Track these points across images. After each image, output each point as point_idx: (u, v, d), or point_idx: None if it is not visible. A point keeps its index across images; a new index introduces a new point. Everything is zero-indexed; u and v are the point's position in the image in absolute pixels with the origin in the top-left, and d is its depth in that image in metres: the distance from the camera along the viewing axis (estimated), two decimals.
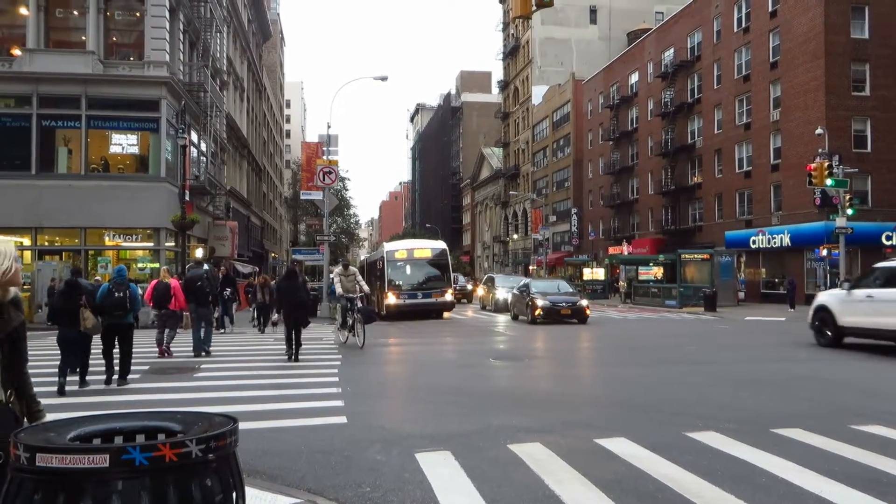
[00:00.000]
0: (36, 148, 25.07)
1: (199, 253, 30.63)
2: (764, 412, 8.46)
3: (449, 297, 27.50)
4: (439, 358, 14.81)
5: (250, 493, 4.34)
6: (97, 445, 2.85)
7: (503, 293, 31.53)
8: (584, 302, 24.17)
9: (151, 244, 26.49)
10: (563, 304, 23.61)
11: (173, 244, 26.46)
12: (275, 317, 19.61)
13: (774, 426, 7.49)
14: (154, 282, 15.26)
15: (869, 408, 8.67)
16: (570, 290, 26.08)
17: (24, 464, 2.58)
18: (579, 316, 23.58)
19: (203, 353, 14.78)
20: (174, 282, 15.14)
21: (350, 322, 16.26)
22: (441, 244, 30.43)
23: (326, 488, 5.53)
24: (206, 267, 17.45)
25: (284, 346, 14.20)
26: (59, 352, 10.60)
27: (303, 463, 6.28)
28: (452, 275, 31.69)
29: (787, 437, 7.08)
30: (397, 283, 27.18)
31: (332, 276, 16.08)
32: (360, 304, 16.37)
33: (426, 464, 6.13)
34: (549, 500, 5.22)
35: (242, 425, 3.32)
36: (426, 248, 29.77)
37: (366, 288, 16.54)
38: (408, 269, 27.86)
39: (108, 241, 26.52)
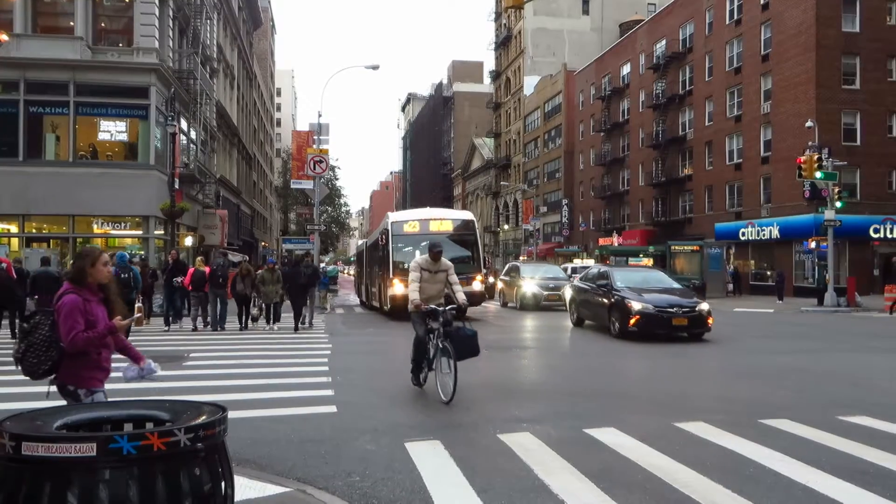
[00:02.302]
0: (23, 134, 24.81)
1: (188, 241, 30.48)
2: (752, 403, 8.52)
3: (478, 285, 21.02)
4: None
5: (239, 481, 4.32)
6: (84, 434, 2.83)
7: (531, 286, 26.09)
8: (705, 306, 15.59)
9: (140, 232, 26.31)
10: (675, 308, 15.16)
11: (162, 232, 26.31)
12: (255, 310, 18.65)
13: (762, 417, 7.55)
14: (192, 269, 18.33)
15: (856, 398, 8.74)
16: (674, 284, 17.34)
17: (10, 452, 2.55)
18: (697, 328, 15.20)
19: (219, 328, 17.63)
20: (208, 270, 18.16)
21: (431, 353, 8.95)
22: (466, 214, 23.67)
23: (316, 478, 5.53)
24: (225, 258, 21.21)
25: (273, 332, 16.11)
26: None
27: (292, 452, 6.27)
28: (483, 255, 23.65)
29: (775, 427, 7.13)
30: (406, 266, 19.11)
31: (412, 266, 9.06)
32: (455, 326, 8.65)
33: (416, 453, 6.13)
34: (539, 490, 5.23)
35: (232, 414, 3.30)
36: (446, 218, 22.61)
37: (462, 296, 8.97)
38: (421, 247, 20.40)
39: (96, 229, 26.32)
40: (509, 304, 28.07)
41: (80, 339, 4.18)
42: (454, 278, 9.19)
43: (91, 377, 4.37)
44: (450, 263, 9.25)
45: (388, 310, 21.03)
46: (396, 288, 20.16)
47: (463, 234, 21.86)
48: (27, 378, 4.37)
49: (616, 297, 15.83)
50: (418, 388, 9.25)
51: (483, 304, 24.14)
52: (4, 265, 13.33)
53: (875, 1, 35.42)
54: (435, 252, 9.06)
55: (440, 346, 8.63)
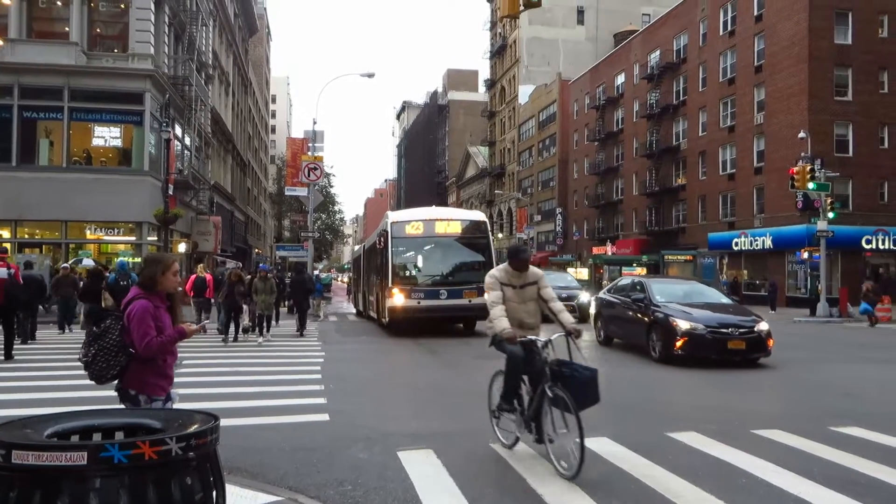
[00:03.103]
0: (17, 139, 24.74)
1: (181, 248, 30.39)
2: (745, 412, 8.53)
3: None
4: (434, 364, 14.84)
5: (231, 490, 4.30)
6: (75, 443, 2.81)
7: None
8: (765, 326, 12.89)
9: (133, 238, 26.22)
10: (731, 329, 12.61)
11: (156, 239, 26.23)
12: (246, 321, 17.25)
13: (755, 427, 7.55)
14: (193, 276, 18.58)
15: (848, 409, 8.76)
16: (722, 298, 14.92)
17: (0, 461, 2.53)
18: (756, 352, 12.64)
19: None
20: (209, 276, 18.68)
21: (528, 405, 6.29)
22: (477, 214, 20.85)
23: (308, 486, 5.51)
24: (230, 266, 22.07)
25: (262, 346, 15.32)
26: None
27: (284, 460, 6.24)
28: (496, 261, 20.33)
29: (767, 437, 7.14)
30: (408, 273, 18.50)
31: (487, 282, 6.50)
32: (568, 364, 6.08)
33: (408, 462, 6.11)
34: (532, 498, 5.22)
35: (223, 422, 3.29)
36: (454, 219, 19.69)
37: (567, 317, 6.32)
38: (425, 251, 18.95)
39: (89, 235, 26.23)
40: None
41: (154, 344, 4.22)
42: (549, 292, 6.54)
43: (155, 384, 4.42)
44: (540, 272, 6.70)
45: (387, 323, 18.67)
46: (396, 299, 17.77)
47: (473, 238, 19.02)
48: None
49: (657, 314, 13.36)
50: (506, 448, 6.58)
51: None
52: (13, 270, 13.26)
53: (867, 13, 35.71)
54: (520, 259, 6.47)
55: (550, 394, 5.90)
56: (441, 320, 18.61)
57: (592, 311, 17.96)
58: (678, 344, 12.60)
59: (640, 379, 11.44)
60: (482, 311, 15.49)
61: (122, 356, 4.26)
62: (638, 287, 15.02)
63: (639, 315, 14.17)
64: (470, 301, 17.55)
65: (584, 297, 23.44)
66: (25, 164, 24.93)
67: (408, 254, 18.71)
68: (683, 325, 12.70)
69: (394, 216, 19.42)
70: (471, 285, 17.57)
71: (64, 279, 18.03)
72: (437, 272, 18.39)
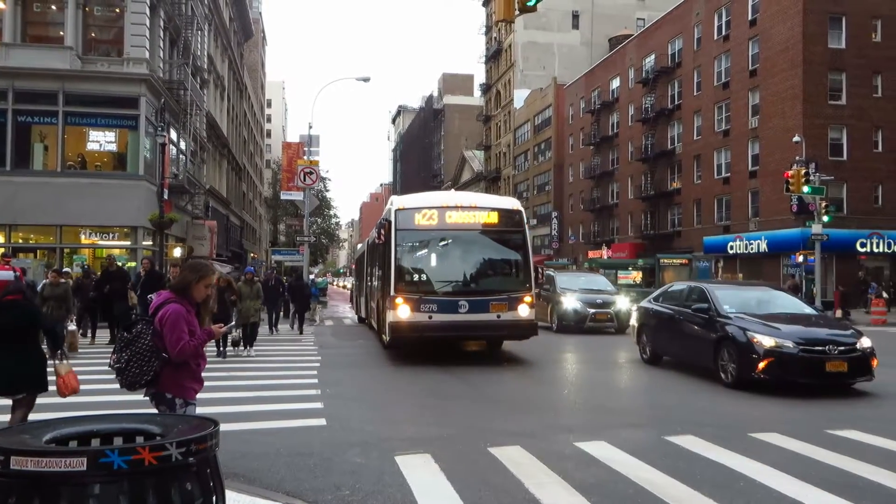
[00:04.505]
0: (11, 144, 24.63)
1: (177, 252, 30.32)
2: (742, 416, 8.54)
3: (525, 310, 13.63)
4: (432, 368, 14.26)
5: (228, 495, 4.27)
6: (74, 448, 2.80)
7: (572, 302, 20.80)
8: (867, 342, 10.53)
9: (128, 243, 26.13)
10: (828, 346, 10.19)
11: (151, 243, 26.13)
12: (235, 333, 15.11)
13: (752, 430, 7.56)
14: None
15: (844, 412, 8.77)
16: (805, 308, 12.55)
17: None
18: (858, 374, 10.32)
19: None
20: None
21: None
22: (511, 202, 15.45)
23: (305, 491, 5.49)
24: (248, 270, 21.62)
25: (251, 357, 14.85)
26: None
27: (282, 465, 6.22)
28: (533, 263, 16.13)
29: (765, 441, 7.15)
30: (416, 277, 13.94)
31: None
32: None
33: (406, 467, 6.10)
34: (531, 503, 5.21)
35: (221, 427, 3.27)
36: (480, 206, 14.61)
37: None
38: (440, 249, 14.51)
39: (84, 240, 26.13)
40: (541, 324, 16.94)
41: (188, 347, 4.27)
42: None
43: (190, 388, 4.48)
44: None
45: (388, 342, 14.18)
46: (400, 311, 13.13)
47: (505, 232, 14.41)
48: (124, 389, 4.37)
49: (728, 327, 10.95)
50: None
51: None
52: (17, 273, 13.19)
53: (861, 18, 35.89)
54: None
55: None
56: (458, 338, 14.36)
57: (633, 322, 15.13)
58: (761, 366, 10.14)
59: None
60: (515, 330, 13.40)
61: (154, 360, 4.27)
62: (696, 295, 12.61)
63: (702, 329, 11.75)
64: (499, 316, 13.31)
65: (623, 303, 21.14)
66: (20, 168, 24.82)
67: (417, 252, 14.31)
68: (767, 342, 10.22)
69: (400, 201, 14.71)
70: (501, 295, 13.55)
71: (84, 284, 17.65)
72: (457, 276, 13.87)
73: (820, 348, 10.12)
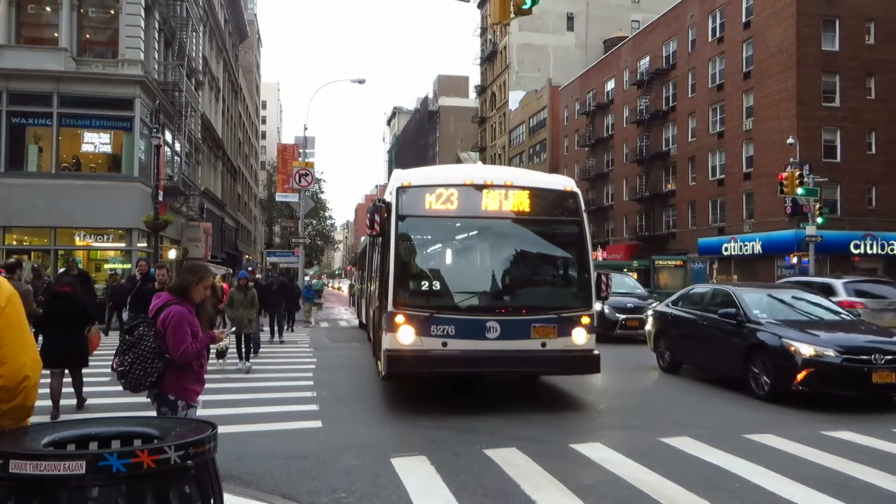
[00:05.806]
0: (5, 145, 24.55)
1: (172, 254, 30.25)
2: (736, 417, 8.56)
3: (582, 335, 9.16)
4: None
5: (226, 498, 4.28)
6: (73, 451, 2.80)
7: (601, 306, 17.08)
8: None
9: (123, 245, 26.07)
10: (875, 355, 9.22)
11: (145, 245, 26.08)
12: (223, 342, 11.29)
13: (747, 431, 7.59)
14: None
15: (838, 414, 8.81)
16: (842, 313, 11.47)
17: None
18: None
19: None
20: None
21: None
22: (563, 181, 10.23)
23: (301, 493, 5.50)
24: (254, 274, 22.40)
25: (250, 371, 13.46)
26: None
27: (278, 467, 6.23)
28: (593, 267, 9.82)
29: (760, 442, 7.18)
30: (425, 285, 9.58)
31: None
32: None
33: (402, 469, 6.11)
34: None
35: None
36: (519, 186, 9.73)
37: None
38: (460, 245, 10.36)
39: (78, 241, 26.03)
40: None
41: (191, 349, 4.29)
42: None
43: (192, 389, 4.49)
44: None
45: (384, 375, 9.32)
46: (401, 335, 8.84)
47: (554, 223, 10.07)
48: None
49: (760, 334, 10.04)
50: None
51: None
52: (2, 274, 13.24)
53: (854, 21, 36.06)
54: None
55: None
56: (485, 376, 10.54)
57: (649, 327, 13.86)
58: (800, 377, 9.23)
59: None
60: (567, 364, 9.31)
61: (158, 363, 4.29)
62: (721, 298, 11.61)
63: (728, 336, 10.70)
64: (544, 344, 9.03)
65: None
66: (14, 170, 24.74)
67: (427, 249, 10.14)
68: (806, 350, 9.28)
69: (405, 176, 9.91)
70: (547, 314, 9.25)
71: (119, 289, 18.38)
72: (483, 285, 9.57)
73: (865, 357, 9.16)
